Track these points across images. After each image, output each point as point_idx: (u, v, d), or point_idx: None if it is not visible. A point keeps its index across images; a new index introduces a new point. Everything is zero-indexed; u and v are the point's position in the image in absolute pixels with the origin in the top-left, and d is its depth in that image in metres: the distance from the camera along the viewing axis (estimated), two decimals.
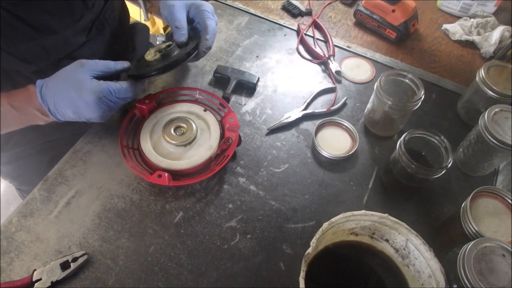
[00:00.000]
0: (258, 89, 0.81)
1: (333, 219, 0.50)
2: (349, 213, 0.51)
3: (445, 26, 0.97)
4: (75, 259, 0.56)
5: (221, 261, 0.58)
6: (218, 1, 1.00)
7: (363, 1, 0.94)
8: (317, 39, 0.93)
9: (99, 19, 0.71)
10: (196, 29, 0.70)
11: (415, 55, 0.92)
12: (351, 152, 0.70)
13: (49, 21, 0.62)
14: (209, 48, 0.69)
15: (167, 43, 0.66)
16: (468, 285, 0.45)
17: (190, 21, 0.70)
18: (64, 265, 0.55)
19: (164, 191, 0.65)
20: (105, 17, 0.72)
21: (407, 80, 0.69)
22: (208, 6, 0.69)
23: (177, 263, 0.58)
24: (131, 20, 0.91)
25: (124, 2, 0.85)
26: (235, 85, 0.79)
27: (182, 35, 0.65)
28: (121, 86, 0.59)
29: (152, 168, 0.64)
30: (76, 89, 0.56)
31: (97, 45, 0.72)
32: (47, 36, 0.62)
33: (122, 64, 0.62)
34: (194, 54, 0.66)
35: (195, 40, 0.67)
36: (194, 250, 0.59)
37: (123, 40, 0.84)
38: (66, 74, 0.57)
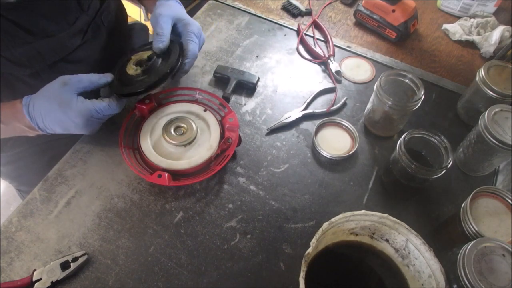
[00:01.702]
0: (258, 89, 0.81)
1: (333, 219, 0.50)
2: (349, 213, 0.51)
3: (445, 26, 0.97)
4: (75, 259, 0.56)
5: (221, 261, 0.58)
6: (218, 1, 1.00)
7: (363, 1, 0.94)
8: (317, 39, 0.93)
9: (95, 21, 0.71)
10: (181, 45, 0.69)
11: (415, 55, 0.92)
12: (351, 152, 0.70)
13: (44, 24, 0.61)
14: (186, 72, 0.69)
15: (148, 54, 0.66)
16: (468, 285, 0.45)
17: (176, 35, 0.70)
18: (64, 265, 0.55)
19: (164, 191, 0.65)
20: (101, 18, 0.72)
21: (407, 80, 0.69)
22: (195, 27, 0.69)
23: (177, 263, 0.58)
24: (130, 20, 0.91)
25: (121, 3, 0.85)
26: (235, 85, 0.79)
27: (161, 42, 0.64)
28: (107, 104, 0.60)
29: (152, 168, 0.64)
30: (63, 111, 0.56)
31: (93, 47, 0.72)
32: (42, 39, 0.62)
33: (106, 78, 0.62)
34: (176, 71, 0.65)
35: (176, 53, 0.66)
36: (194, 250, 0.59)
37: (120, 41, 0.83)
38: (51, 93, 0.57)
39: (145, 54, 0.66)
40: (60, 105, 0.56)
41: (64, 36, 0.65)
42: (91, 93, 0.61)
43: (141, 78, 0.64)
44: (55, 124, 0.58)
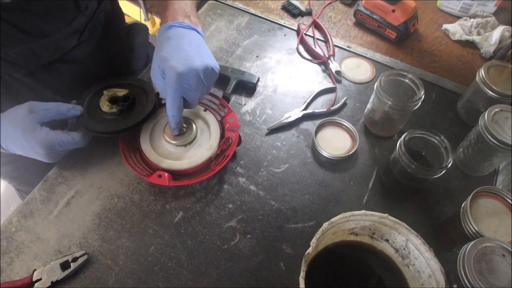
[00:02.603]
0: (258, 89, 0.81)
1: (333, 219, 0.50)
2: (349, 213, 0.51)
3: (445, 26, 0.97)
4: (75, 259, 0.56)
5: (221, 261, 0.58)
6: (218, 1, 1.00)
7: (363, 1, 0.94)
8: (317, 39, 0.93)
9: (92, 21, 0.70)
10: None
11: (415, 55, 0.92)
12: (351, 152, 0.70)
13: (40, 24, 0.61)
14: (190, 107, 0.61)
15: (123, 93, 0.64)
16: (468, 285, 0.45)
17: None
18: (64, 265, 0.55)
19: (164, 191, 0.65)
20: (98, 19, 0.72)
21: (407, 80, 0.69)
22: (172, 74, 0.55)
23: (177, 263, 0.58)
24: (131, 20, 0.91)
25: (118, 3, 0.84)
26: (235, 85, 0.79)
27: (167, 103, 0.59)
28: (72, 139, 0.59)
29: (152, 168, 0.64)
30: (26, 138, 0.55)
31: (90, 48, 0.71)
32: (38, 40, 0.61)
33: (75, 111, 0.61)
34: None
35: (154, 97, 0.65)
36: (194, 250, 0.59)
37: (118, 41, 0.83)
38: (16, 119, 0.56)
39: (120, 92, 0.65)
40: (23, 132, 0.55)
41: (60, 36, 0.64)
42: (58, 122, 0.60)
43: (116, 118, 0.63)
44: (17, 149, 0.57)
